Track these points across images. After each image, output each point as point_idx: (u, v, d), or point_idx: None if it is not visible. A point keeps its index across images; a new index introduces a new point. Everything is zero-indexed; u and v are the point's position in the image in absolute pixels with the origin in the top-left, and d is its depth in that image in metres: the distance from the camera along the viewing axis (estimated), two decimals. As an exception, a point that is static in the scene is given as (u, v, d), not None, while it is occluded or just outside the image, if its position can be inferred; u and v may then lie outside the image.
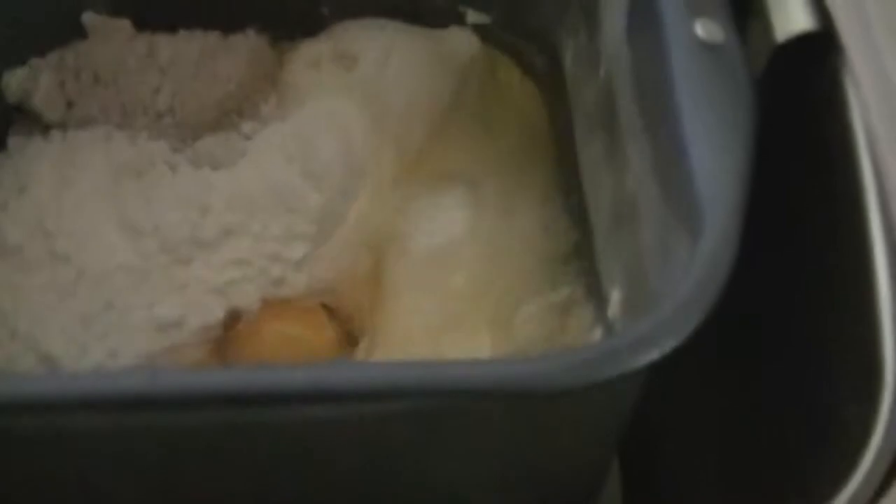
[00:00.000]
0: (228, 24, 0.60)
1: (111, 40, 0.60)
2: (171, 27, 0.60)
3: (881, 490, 0.35)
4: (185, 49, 0.60)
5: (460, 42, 0.61)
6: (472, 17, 0.61)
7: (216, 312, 0.53)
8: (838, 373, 0.40)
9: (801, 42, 0.43)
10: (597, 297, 0.52)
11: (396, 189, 0.57)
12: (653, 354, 0.35)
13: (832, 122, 0.42)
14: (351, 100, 0.58)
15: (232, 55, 0.59)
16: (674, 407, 0.52)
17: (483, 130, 0.59)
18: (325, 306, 0.55)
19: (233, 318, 0.54)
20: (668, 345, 0.36)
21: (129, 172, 0.56)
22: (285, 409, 0.35)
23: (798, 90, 0.44)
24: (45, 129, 0.59)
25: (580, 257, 0.55)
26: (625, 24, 0.48)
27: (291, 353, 0.53)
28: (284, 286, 0.54)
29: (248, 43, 0.60)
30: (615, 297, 0.49)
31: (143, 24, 0.60)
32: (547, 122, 0.60)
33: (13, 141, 0.59)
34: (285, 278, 0.54)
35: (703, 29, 0.42)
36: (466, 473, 0.41)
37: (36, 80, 0.59)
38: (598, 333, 0.51)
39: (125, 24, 0.60)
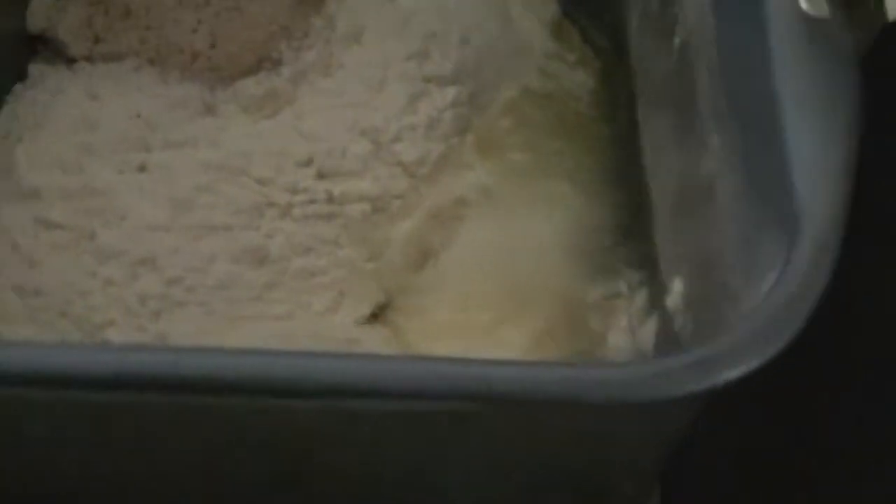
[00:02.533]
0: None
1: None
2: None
3: None
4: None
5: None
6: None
7: None
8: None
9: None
10: (651, 283, 0.47)
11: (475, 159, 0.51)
12: (739, 370, 0.31)
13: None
14: None
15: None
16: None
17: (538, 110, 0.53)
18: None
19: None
20: (757, 359, 0.31)
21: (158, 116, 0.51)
22: (324, 401, 0.31)
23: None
24: (70, 60, 0.54)
25: (633, 242, 0.50)
26: (712, -8, 0.42)
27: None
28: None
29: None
30: (677, 286, 0.44)
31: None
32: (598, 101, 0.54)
33: (35, 69, 0.54)
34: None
35: (807, 1, 0.37)
36: (491, 482, 0.36)
37: (63, 11, 0.54)
38: (653, 322, 0.46)
39: (161, -45, 0.55)
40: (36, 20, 0.55)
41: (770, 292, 0.32)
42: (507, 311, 0.46)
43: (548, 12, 0.55)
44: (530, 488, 0.39)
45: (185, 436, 0.34)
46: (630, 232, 0.50)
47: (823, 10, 0.37)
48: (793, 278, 0.32)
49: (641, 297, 0.48)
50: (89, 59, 0.54)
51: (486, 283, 0.47)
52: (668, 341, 0.44)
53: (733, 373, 0.31)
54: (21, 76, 0.54)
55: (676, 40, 0.46)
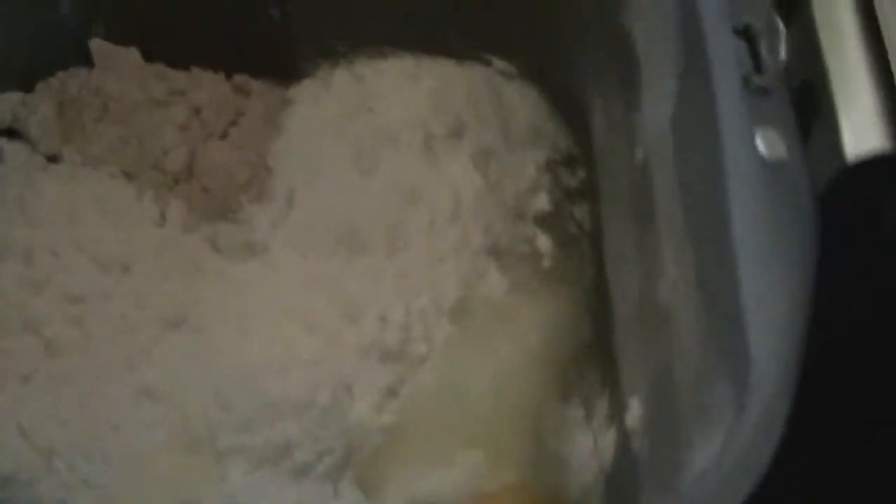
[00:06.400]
0: (237, 64, 0.54)
1: (120, 72, 0.53)
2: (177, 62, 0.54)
3: None
4: (199, 98, 0.53)
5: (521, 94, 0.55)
6: (498, 64, 0.55)
7: None
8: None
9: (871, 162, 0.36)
10: (612, 397, 0.47)
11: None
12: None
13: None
14: None
15: (249, 120, 0.53)
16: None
17: None
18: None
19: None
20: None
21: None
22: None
23: (863, 214, 0.38)
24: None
25: (596, 356, 0.48)
26: (670, 114, 0.41)
27: None
28: None
29: (262, 100, 0.54)
30: (635, 408, 0.43)
31: (149, 55, 0.54)
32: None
33: (9, 150, 0.52)
34: None
35: (766, 142, 0.35)
36: None
37: (32, 106, 0.53)
38: (612, 436, 0.46)
39: (134, 55, 0.54)
40: (1, 116, 0.53)
41: (720, 455, 0.31)
42: (466, 435, 0.45)
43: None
44: None
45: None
46: (593, 347, 0.49)
47: (781, 153, 0.36)
48: (743, 437, 0.31)
49: (602, 412, 0.47)
50: (60, 158, 0.52)
51: (447, 413, 0.46)
52: (627, 459, 0.44)
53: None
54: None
55: (639, 151, 0.45)
